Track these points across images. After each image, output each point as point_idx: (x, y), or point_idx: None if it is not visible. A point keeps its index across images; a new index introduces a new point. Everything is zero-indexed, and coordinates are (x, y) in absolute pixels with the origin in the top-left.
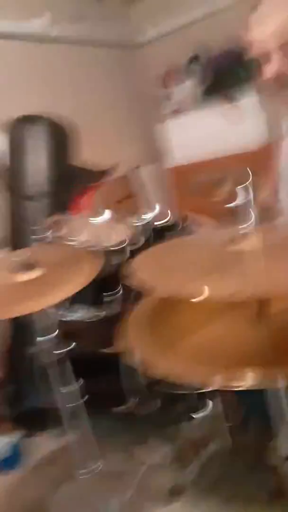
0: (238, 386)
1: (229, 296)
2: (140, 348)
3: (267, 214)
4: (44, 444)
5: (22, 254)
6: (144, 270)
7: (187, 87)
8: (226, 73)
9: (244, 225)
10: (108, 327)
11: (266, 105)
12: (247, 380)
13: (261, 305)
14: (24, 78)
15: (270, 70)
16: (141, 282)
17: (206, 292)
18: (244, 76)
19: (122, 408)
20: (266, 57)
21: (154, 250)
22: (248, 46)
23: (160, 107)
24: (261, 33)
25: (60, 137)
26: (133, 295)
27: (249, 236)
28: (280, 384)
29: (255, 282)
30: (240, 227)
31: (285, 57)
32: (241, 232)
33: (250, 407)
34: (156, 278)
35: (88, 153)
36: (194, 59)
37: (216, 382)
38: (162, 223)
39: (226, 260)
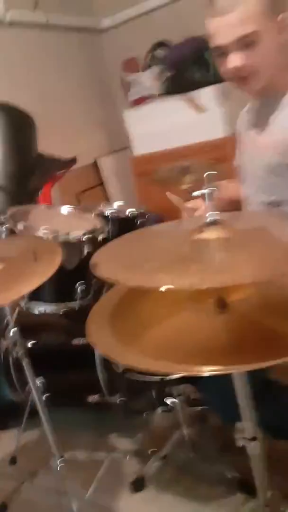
0: (200, 373)
1: (188, 287)
2: (101, 342)
3: (228, 206)
4: (7, 440)
5: None
6: (106, 262)
7: (150, 75)
8: (188, 63)
9: (208, 215)
10: (79, 319)
11: (228, 97)
12: (208, 368)
13: (221, 296)
14: None
15: (228, 63)
16: (103, 275)
17: (166, 284)
18: (206, 67)
19: (91, 398)
20: (223, 50)
21: (118, 241)
22: (208, 37)
23: (125, 94)
24: (218, 25)
25: (21, 125)
26: (95, 288)
27: (214, 225)
28: (240, 370)
29: (215, 272)
30: (204, 216)
31: (241, 51)
32: (206, 221)
33: (214, 392)
34: (118, 270)
35: (51, 141)
36: (158, 46)
37: (179, 370)
38: (126, 214)
39: (189, 250)
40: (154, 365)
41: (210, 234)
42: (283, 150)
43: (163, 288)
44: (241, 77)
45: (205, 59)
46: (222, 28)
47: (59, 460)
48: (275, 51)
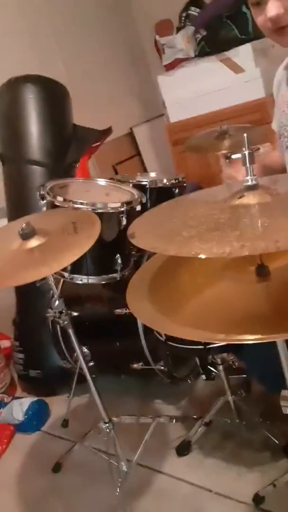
0: (241, 342)
1: (226, 255)
2: (141, 312)
3: (267, 169)
4: (59, 405)
5: (23, 223)
6: (143, 232)
7: (184, 37)
8: (224, 20)
9: (246, 178)
10: (121, 289)
11: (267, 54)
12: (250, 336)
13: (262, 263)
14: (6, 33)
15: (267, 12)
16: (140, 244)
17: (203, 253)
18: (244, 22)
19: (135, 366)
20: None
21: (155, 210)
22: None
23: (159, 58)
24: None
25: (55, 98)
26: (136, 258)
27: (253, 190)
28: (282, 338)
29: (254, 239)
30: (242, 181)
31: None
32: (245, 185)
33: (256, 361)
34: (154, 239)
35: (84, 112)
36: (192, 4)
37: (219, 340)
38: (164, 183)
39: (228, 216)
40: (194, 334)
41: (249, 199)
42: None
43: (201, 256)
44: (280, 28)
45: (242, 13)
46: None
47: (107, 423)
48: None
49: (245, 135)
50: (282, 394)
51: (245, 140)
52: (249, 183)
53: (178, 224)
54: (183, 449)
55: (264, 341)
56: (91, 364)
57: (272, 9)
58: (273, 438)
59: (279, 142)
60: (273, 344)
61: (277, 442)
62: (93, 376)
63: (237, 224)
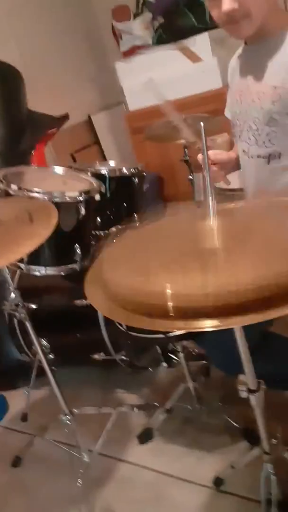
0: (199, 329)
1: (187, 292)
2: (99, 302)
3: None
4: (18, 399)
5: None
6: (112, 262)
7: (141, 23)
8: (181, 7)
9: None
10: (81, 280)
11: (225, 43)
12: (207, 323)
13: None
14: None
15: (223, 6)
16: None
17: (169, 289)
18: (201, 11)
19: (96, 356)
20: None
21: (123, 240)
22: None
23: (116, 45)
24: None
25: (8, 81)
26: (95, 248)
27: (216, 217)
28: (239, 324)
29: (216, 274)
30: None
31: None
32: (207, 212)
33: (215, 347)
34: (123, 274)
35: (40, 98)
36: None
37: (177, 328)
38: (124, 172)
39: (191, 247)
40: (153, 324)
41: (211, 227)
42: (282, 96)
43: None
44: (234, 21)
45: (199, 2)
46: None
47: (67, 414)
48: None
49: (201, 124)
50: (239, 379)
51: (202, 131)
52: (211, 212)
53: (146, 253)
54: (144, 436)
55: (222, 328)
56: (50, 356)
57: (227, 3)
58: (232, 421)
59: (232, 130)
60: (231, 330)
61: (236, 425)
62: (53, 368)
63: (201, 255)
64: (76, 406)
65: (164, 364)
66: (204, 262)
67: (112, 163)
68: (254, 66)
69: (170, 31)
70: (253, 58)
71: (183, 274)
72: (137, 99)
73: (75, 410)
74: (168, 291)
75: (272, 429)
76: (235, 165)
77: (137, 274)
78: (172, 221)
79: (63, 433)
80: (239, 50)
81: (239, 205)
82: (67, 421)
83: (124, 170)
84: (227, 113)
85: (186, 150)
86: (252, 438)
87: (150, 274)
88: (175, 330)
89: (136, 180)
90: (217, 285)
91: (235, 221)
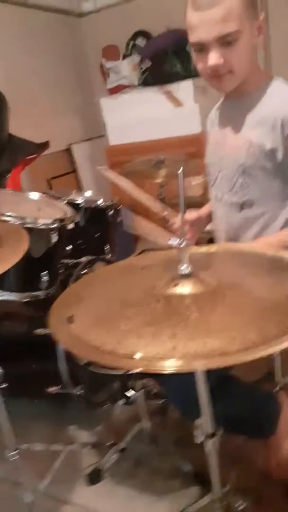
0: (161, 371)
1: (161, 357)
2: (62, 333)
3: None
4: None
5: None
6: (83, 317)
7: (129, 64)
8: (168, 54)
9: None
10: (44, 308)
11: (206, 91)
12: (169, 365)
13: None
14: None
15: (208, 60)
16: (78, 331)
17: (140, 352)
18: (187, 59)
19: (51, 390)
20: (202, 46)
21: (97, 285)
22: (188, 30)
23: (103, 81)
24: (200, 20)
25: None
26: (62, 278)
27: (188, 278)
28: (200, 368)
29: (185, 338)
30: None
31: (221, 48)
32: (180, 273)
33: (175, 387)
34: (93, 330)
35: (22, 124)
36: (139, 35)
37: (139, 367)
38: (98, 204)
39: (161, 308)
40: (114, 360)
41: (183, 289)
42: (256, 151)
43: (138, 356)
44: (218, 76)
45: (186, 51)
46: (205, 24)
47: (13, 451)
48: (250, 52)
49: (180, 170)
50: (195, 423)
51: (180, 177)
52: (184, 272)
53: (116, 311)
54: (94, 477)
55: (184, 370)
56: (3, 385)
57: (213, 58)
58: (185, 465)
59: (207, 178)
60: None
61: (189, 469)
62: (3, 399)
63: (170, 318)
64: (25, 441)
65: (122, 401)
66: (174, 326)
67: (88, 193)
68: (231, 120)
69: (156, 75)
70: (231, 112)
71: (152, 339)
72: (118, 134)
73: (23, 446)
74: (136, 356)
75: (224, 475)
76: (206, 223)
77: (106, 331)
78: (145, 268)
79: (8, 470)
80: (219, 103)
81: (213, 252)
82: (12, 458)
83: (100, 202)
84: (206, 160)
85: (161, 189)
86: (204, 483)
87: (121, 337)
88: (137, 369)
89: (111, 212)
90: (184, 352)
91: (208, 278)
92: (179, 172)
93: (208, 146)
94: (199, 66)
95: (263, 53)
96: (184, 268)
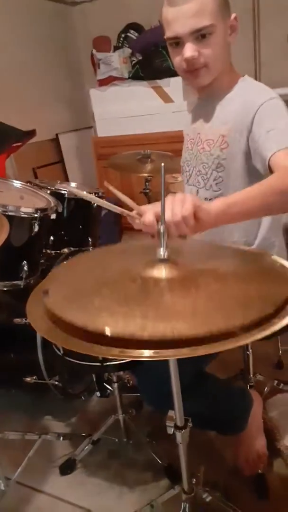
0: (137, 358)
1: (129, 335)
2: (40, 322)
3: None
4: None
5: None
6: (57, 290)
7: (120, 56)
8: (160, 50)
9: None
10: (24, 297)
11: (192, 91)
12: (146, 352)
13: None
14: None
15: (184, 52)
16: (51, 306)
17: (109, 328)
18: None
19: (28, 379)
20: (178, 39)
21: (76, 261)
22: (166, 23)
23: (94, 72)
24: (176, 15)
25: None
26: (43, 267)
27: (165, 262)
28: (176, 356)
29: (155, 320)
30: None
31: (196, 42)
32: (158, 257)
33: (149, 380)
34: (66, 305)
35: (9, 111)
36: (131, 27)
37: (113, 355)
38: (82, 194)
39: (137, 289)
40: (91, 349)
41: (159, 272)
42: (229, 143)
43: (107, 331)
44: (193, 70)
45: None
46: (180, 18)
47: None
48: (224, 48)
49: (162, 164)
50: (168, 414)
51: (162, 171)
52: (161, 256)
53: (92, 288)
54: (66, 467)
55: (157, 359)
56: None
57: (188, 51)
58: (156, 457)
59: (181, 176)
60: (166, 364)
61: (159, 461)
62: None
63: (144, 299)
64: (0, 430)
65: (98, 394)
66: (146, 306)
67: (73, 184)
68: (205, 116)
69: (147, 69)
70: (204, 109)
71: (123, 317)
72: (106, 126)
73: None
74: (108, 333)
75: (194, 468)
76: None
77: (82, 310)
78: (124, 252)
79: None
80: (193, 104)
81: (193, 242)
82: None
83: (84, 193)
84: (182, 160)
85: (147, 183)
86: (174, 476)
87: (94, 313)
88: (111, 357)
89: (95, 204)
90: (154, 331)
91: (185, 264)
92: (161, 166)
93: (184, 147)
94: (175, 62)
95: (252, 58)
96: (162, 253)
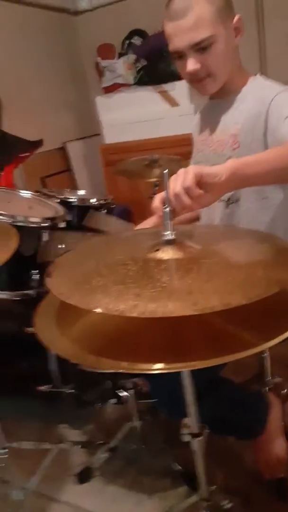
0: (145, 371)
1: (119, 312)
2: (46, 333)
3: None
4: None
5: None
6: (62, 272)
7: (124, 63)
8: (164, 54)
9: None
10: (35, 307)
11: (198, 94)
12: (156, 366)
13: None
14: None
15: (186, 67)
16: (49, 286)
17: (100, 308)
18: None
19: (42, 388)
20: (180, 53)
21: (84, 246)
22: (168, 36)
23: (99, 80)
24: (174, 29)
25: None
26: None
27: (169, 244)
28: (184, 369)
29: (150, 300)
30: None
31: (198, 54)
32: (163, 239)
33: (162, 387)
34: (65, 284)
35: (16, 122)
36: (135, 34)
37: (122, 368)
38: (92, 203)
39: (136, 270)
40: (99, 362)
41: (162, 254)
42: (241, 141)
43: (98, 310)
44: (198, 80)
45: None
46: (178, 32)
47: (2, 449)
48: (229, 54)
49: (166, 171)
50: (183, 421)
51: (166, 176)
52: (166, 237)
53: (92, 269)
54: (84, 476)
55: (169, 371)
56: None
57: (190, 65)
58: (174, 464)
59: None
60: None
61: (178, 468)
62: None
63: (141, 280)
64: (15, 439)
65: (113, 400)
66: (141, 287)
67: (82, 192)
68: (216, 118)
69: (152, 74)
70: (215, 112)
71: (117, 296)
72: (113, 133)
73: (13, 444)
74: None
75: (212, 475)
76: None
77: (78, 290)
78: (131, 238)
79: None
80: (203, 106)
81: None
82: (2, 455)
83: (93, 200)
84: (191, 163)
85: (156, 187)
86: (192, 483)
87: (88, 293)
88: (120, 370)
89: (105, 211)
90: (143, 311)
91: (190, 246)
92: (164, 172)
93: (194, 149)
94: (182, 73)
95: (258, 57)
96: (167, 234)
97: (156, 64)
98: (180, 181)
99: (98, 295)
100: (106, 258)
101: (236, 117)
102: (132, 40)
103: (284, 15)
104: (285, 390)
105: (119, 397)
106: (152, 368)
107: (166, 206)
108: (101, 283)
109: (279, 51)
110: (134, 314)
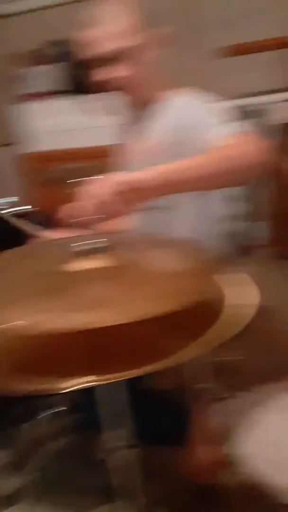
0: (62, 390)
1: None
2: None
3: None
4: None
5: None
6: None
7: (44, 71)
8: (81, 66)
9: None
10: None
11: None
12: (67, 384)
13: None
14: None
15: (100, 75)
16: None
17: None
18: None
19: None
20: (92, 62)
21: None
22: (80, 46)
23: (15, 87)
24: (87, 38)
25: None
26: None
27: (88, 254)
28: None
29: (62, 313)
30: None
31: (112, 64)
32: (83, 248)
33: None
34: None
35: None
36: (52, 43)
37: (38, 390)
38: (11, 212)
39: (55, 280)
40: (12, 384)
41: (77, 265)
42: (168, 149)
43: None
44: (113, 89)
45: None
46: (88, 42)
47: None
48: (145, 66)
49: (85, 179)
50: (104, 437)
51: (84, 186)
52: (82, 247)
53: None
54: (11, 499)
55: (81, 387)
56: None
57: (98, 75)
58: (101, 481)
59: None
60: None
61: (105, 484)
62: None
63: (51, 293)
64: None
65: (34, 420)
66: (56, 300)
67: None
68: (139, 128)
69: (73, 84)
70: (138, 122)
71: (29, 312)
72: (30, 143)
73: None
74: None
75: (143, 487)
76: None
77: None
78: (38, 251)
79: None
80: (124, 118)
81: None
82: None
83: (12, 210)
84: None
85: (75, 196)
86: (125, 497)
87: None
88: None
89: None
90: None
91: (111, 257)
92: (83, 180)
93: (114, 160)
94: (95, 81)
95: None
96: (82, 244)
97: (76, 74)
98: (105, 188)
99: (9, 309)
100: (16, 272)
101: (162, 126)
102: (50, 50)
103: (220, 30)
104: (208, 396)
105: (41, 416)
106: (64, 386)
107: (81, 215)
108: (7, 297)
109: (216, 66)
110: (37, 330)
